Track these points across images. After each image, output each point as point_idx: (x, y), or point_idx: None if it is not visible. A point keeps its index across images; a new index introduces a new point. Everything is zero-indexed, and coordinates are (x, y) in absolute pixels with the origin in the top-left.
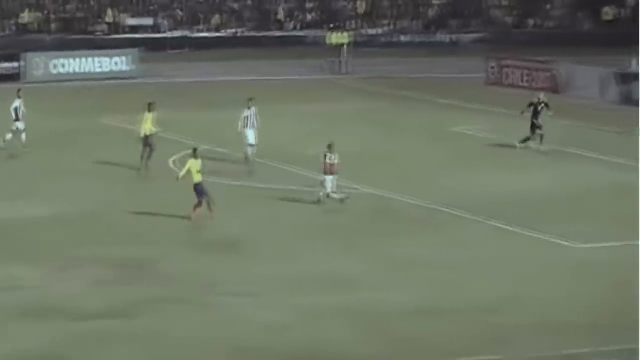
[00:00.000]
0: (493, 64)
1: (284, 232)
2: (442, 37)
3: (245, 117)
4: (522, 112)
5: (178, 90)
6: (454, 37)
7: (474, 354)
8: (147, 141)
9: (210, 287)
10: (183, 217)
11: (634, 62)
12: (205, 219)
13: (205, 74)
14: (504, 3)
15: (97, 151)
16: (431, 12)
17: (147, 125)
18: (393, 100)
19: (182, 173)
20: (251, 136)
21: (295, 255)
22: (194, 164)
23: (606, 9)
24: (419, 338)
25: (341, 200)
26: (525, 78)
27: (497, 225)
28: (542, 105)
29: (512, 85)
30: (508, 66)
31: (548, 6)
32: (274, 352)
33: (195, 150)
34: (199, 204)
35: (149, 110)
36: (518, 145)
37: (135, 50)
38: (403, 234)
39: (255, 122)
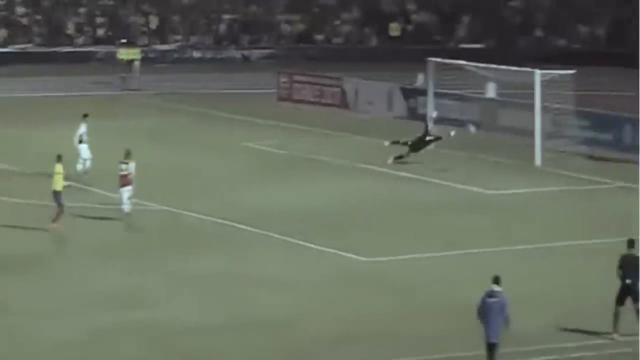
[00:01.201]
0: (284, 79)
1: (77, 251)
2: (234, 52)
3: (80, 134)
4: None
5: None
6: (245, 52)
7: None
8: None
9: (2, 306)
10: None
11: (419, 77)
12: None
13: None
14: (293, 18)
15: None
16: (222, 28)
17: None
18: (185, 116)
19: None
20: (84, 151)
21: (88, 274)
22: (60, 169)
23: (392, 25)
24: (214, 354)
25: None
26: (315, 93)
27: (288, 239)
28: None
29: (302, 101)
30: (298, 81)
31: (336, 22)
32: None
33: (59, 156)
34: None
35: None
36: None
37: None
38: (195, 250)
39: (86, 137)
